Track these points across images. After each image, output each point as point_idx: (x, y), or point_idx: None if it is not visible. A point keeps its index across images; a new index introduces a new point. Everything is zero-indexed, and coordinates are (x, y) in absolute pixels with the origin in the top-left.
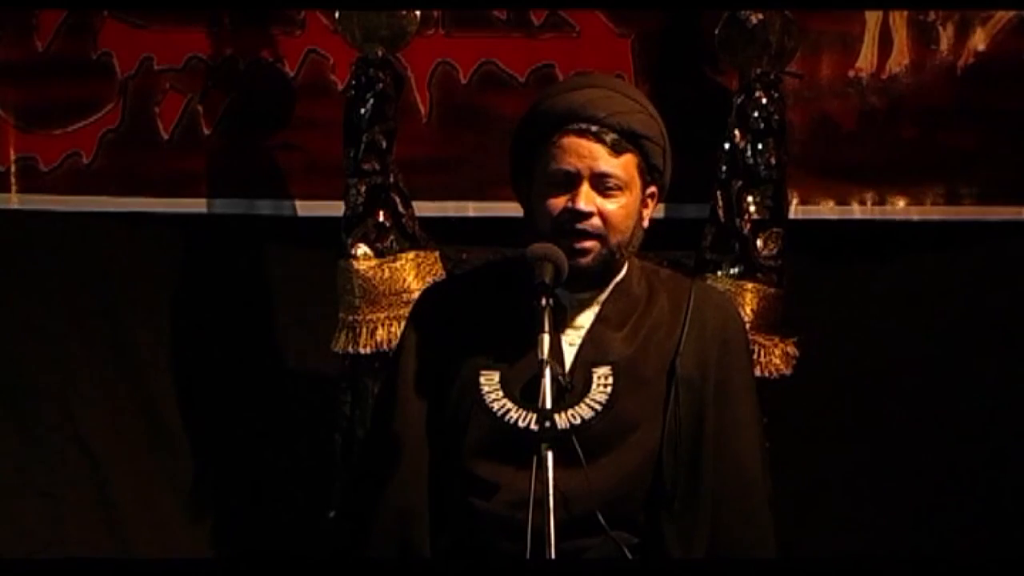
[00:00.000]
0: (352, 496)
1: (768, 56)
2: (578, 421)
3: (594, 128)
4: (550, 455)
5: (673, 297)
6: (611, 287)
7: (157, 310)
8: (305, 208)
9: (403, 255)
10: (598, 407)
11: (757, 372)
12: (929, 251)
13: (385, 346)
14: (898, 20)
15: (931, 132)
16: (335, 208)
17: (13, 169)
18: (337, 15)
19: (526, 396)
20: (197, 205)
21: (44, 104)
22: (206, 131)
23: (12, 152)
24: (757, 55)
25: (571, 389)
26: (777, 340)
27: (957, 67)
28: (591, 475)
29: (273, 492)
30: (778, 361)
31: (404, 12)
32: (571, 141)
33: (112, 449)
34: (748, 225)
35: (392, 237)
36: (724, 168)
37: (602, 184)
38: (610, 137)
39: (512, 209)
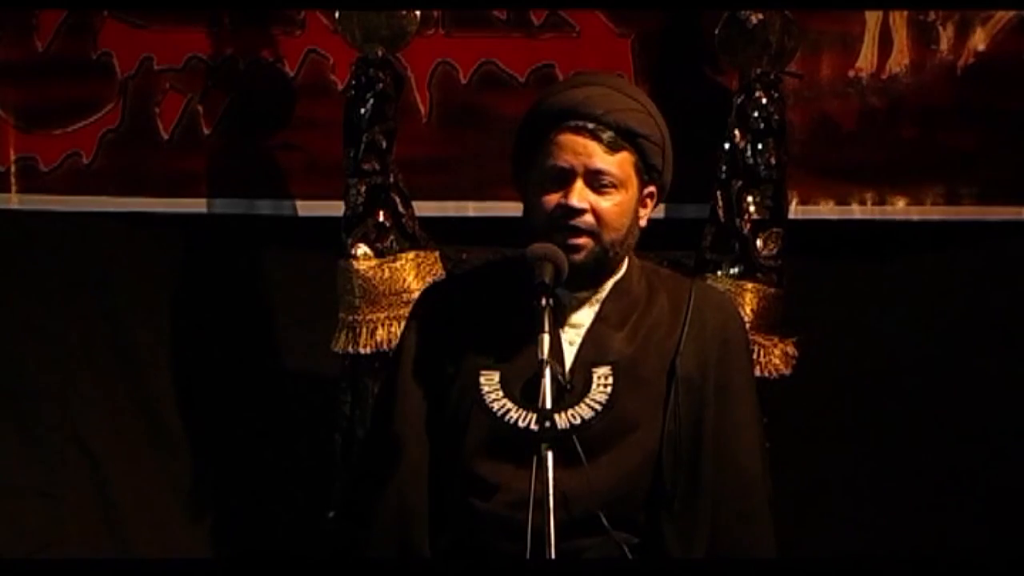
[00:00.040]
0: (352, 496)
1: (768, 56)
2: (578, 421)
3: (590, 125)
4: (550, 455)
5: (673, 297)
6: (610, 286)
7: (157, 310)
8: (305, 208)
9: (403, 255)
10: (598, 407)
11: (757, 372)
12: (929, 251)
13: (385, 346)
14: (898, 20)
15: (931, 132)
16: (335, 208)
17: (13, 169)
18: (337, 15)
19: (526, 396)
20: (197, 205)
21: (44, 104)
22: (206, 131)
23: (12, 152)
24: (757, 55)
25: (571, 389)
26: (777, 340)
27: (957, 67)
28: (591, 475)
29: (273, 492)
30: (778, 361)
31: (404, 12)
32: (567, 138)
33: (112, 449)
34: (748, 225)
35: (392, 237)
36: (724, 168)
37: (596, 181)
38: (606, 135)
39: (512, 209)
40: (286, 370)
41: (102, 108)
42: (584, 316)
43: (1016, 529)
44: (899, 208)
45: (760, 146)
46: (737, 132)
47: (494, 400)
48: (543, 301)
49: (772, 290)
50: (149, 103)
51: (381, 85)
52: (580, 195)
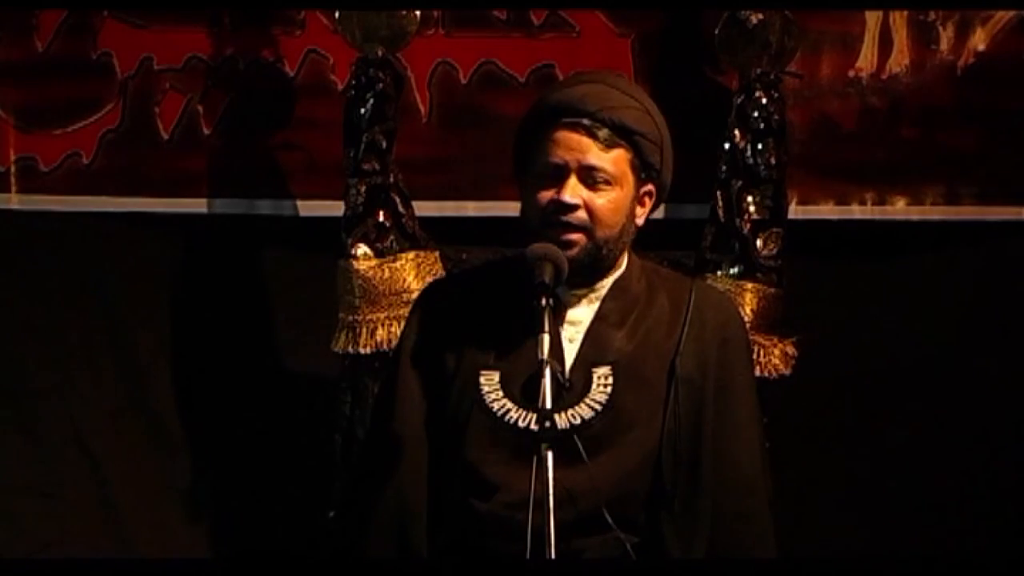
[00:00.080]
0: (351, 495)
1: (768, 56)
2: (578, 421)
3: (586, 122)
4: (550, 455)
5: (673, 296)
6: (610, 284)
7: (157, 310)
8: (305, 208)
9: (403, 255)
10: (598, 407)
11: (757, 372)
12: (929, 251)
13: (385, 346)
14: (898, 20)
15: (931, 132)
16: (335, 208)
17: (13, 169)
18: (337, 15)
19: (526, 396)
20: (197, 205)
21: (44, 104)
22: (206, 131)
23: (12, 152)
24: (757, 55)
25: (569, 387)
26: (777, 340)
27: (957, 67)
28: (591, 474)
29: (273, 492)
30: (778, 361)
31: (404, 12)
32: (563, 135)
33: (112, 449)
34: (748, 225)
35: (392, 237)
36: (724, 168)
37: (590, 178)
38: (602, 132)
39: (512, 209)
40: (286, 370)
41: (102, 108)
42: (583, 313)
43: (1016, 529)
44: (899, 208)
45: (760, 146)
46: (737, 132)
47: (494, 400)
48: (543, 301)
49: (772, 290)
50: (149, 103)
51: (381, 85)
52: (573, 191)
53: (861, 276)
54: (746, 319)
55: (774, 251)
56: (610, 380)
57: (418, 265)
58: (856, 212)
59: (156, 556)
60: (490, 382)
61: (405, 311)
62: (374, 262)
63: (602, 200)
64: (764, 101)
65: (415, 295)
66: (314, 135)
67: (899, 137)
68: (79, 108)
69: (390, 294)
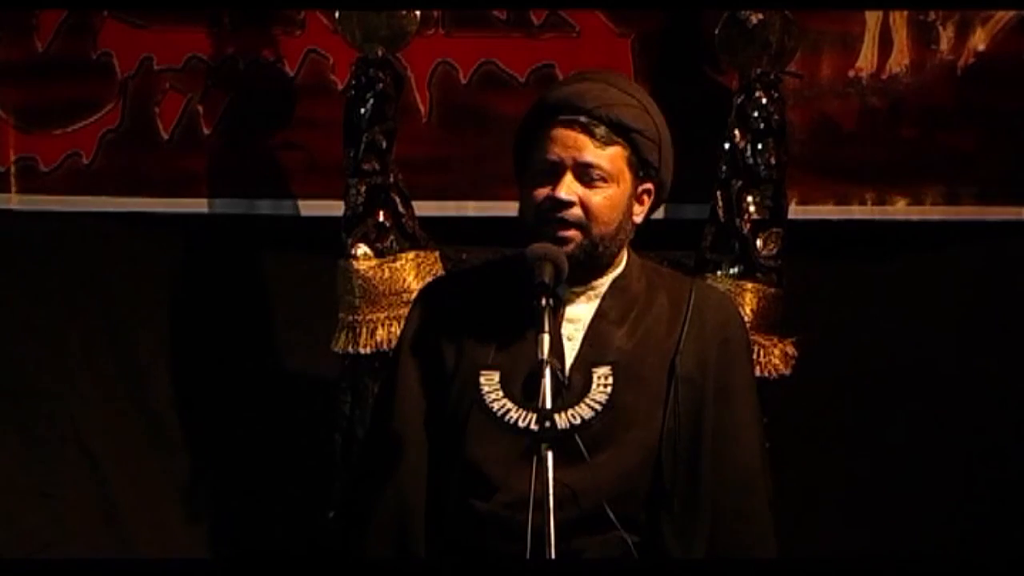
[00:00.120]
0: (351, 494)
1: (768, 56)
2: (578, 421)
3: (582, 119)
4: (550, 455)
5: (673, 295)
6: (609, 282)
7: (157, 310)
8: (305, 208)
9: (403, 255)
10: (598, 407)
11: (757, 372)
12: (929, 251)
13: (385, 346)
14: (898, 20)
15: (931, 132)
16: (335, 208)
17: (13, 169)
18: (337, 15)
19: (526, 396)
20: (197, 205)
21: (44, 104)
22: (206, 131)
23: (12, 152)
24: (757, 55)
25: (568, 385)
26: (777, 340)
27: (957, 67)
28: (592, 474)
29: (273, 492)
30: (778, 361)
31: (404, 12)
32: (559, 132)
33: (112, 449)
34: (748, 225)
35: (392, 237)
36: (724, 168)
37: (586, 175)
38: (599, 129)
39: (512, 209)
40: (286, 370)
41: (102, 108)
42: (582, 311)
43: (1016, 529)
44: (899, 208)
45: (760, 146)
46: (737, 132)
47: (494, 400)
48: (543, 301)
49: (772, 290)
50: (149, 103)
51: (381, 85)
52: (568, 188)
53: (861, 276)
54: (746, 319)
55: (774, 251)
56: (610, 380)
57: (418, 265)
58: (856, 212)
59: (156, 556)
60: (490, 382)
61: (405, 311)
62: (374, 262)
63: (598, 197)
64: (764, 101)
65: (415, 295)
66: (314, 135)
67: (899, 137)
68: (79, 108)
69: (390, 294)
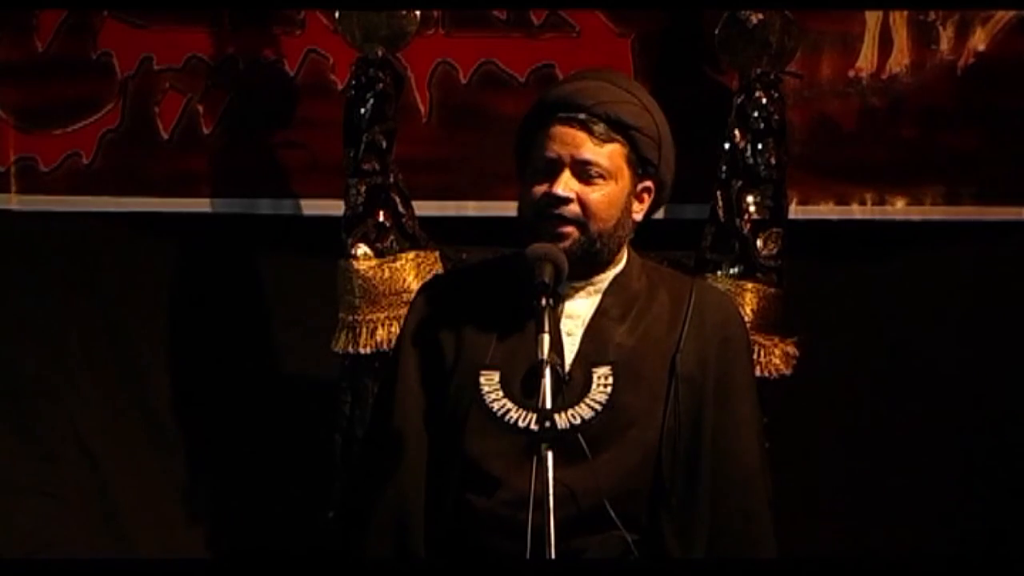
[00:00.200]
0: (350, 493)
1: (768, 56)
2: (578, 421)
3: (581, 116)
4: (550, 455)
5: (674, 294)
6: (609, 279)
7: (157, 310)
8: (305, 208)
9: (403, 255)
10: (598, 407)
11: (757, 372)
12: (929, 251)
13: (385, 346)
14: (898, 20)
15: (931, 132)
16: (335, 208)
17: (13, 169)
18: (337, 15)
19: (526, 396)
20: (197, 205)
21: (44, 104)
22: (206, 131)
23: (12, 152)
24: (757, 55)
25: (569, 381)
26: (777, 340)
27: (957, 67)
28: (592, 473)
29: (273, 492)
30: (778, 361)
31: (404, 12)
32: (558, 129)
33: (112, 449)
34: (748, 225)
35: (392, 237)
36: (724, 168)
37: (584, 172)
38: (598, 126)
39: (512, 209)
40: (286, 370)
41: (102, 108)
42: (582, 307)
43: (1016, 529)
44: (899, 208)
45: (760, 146)
46: (737, 132)
47: (494, 400)
48: (543, 301)
49: (772, 290)
50: (149, 103)
51: (381, 85)
52: (566, 184)
53: (861, 276)
54: (746, 319)
55: (774, 251)
56: (610, 380)
57: (418, 265)
58: (856, 212)
59: (156, 556)
60: (490, 382)
61: (405, 311)
62: (374, 262)
63: (596, 194)
64: (764, 101)
65: (415, 292)
66: (314, 135)
67: (899, 137)
68: (79, 108)
69: (390, 294)
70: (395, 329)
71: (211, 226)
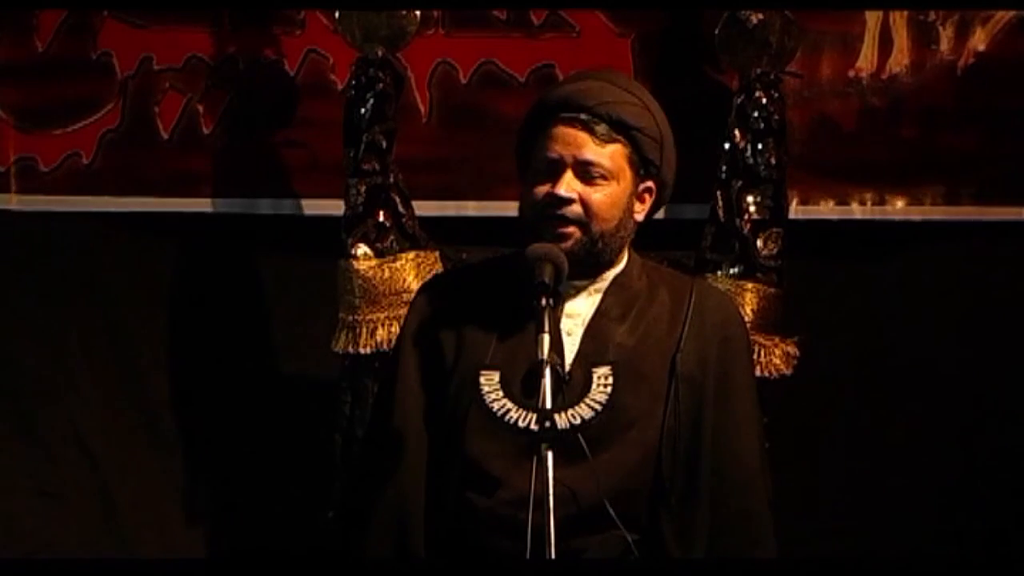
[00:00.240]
0: (350, 493)
1: (768, 56)
2: (578, 421)
3: (583, 117)
4: (550, 455)
5: (674, 293)
6: (610, 279)
7: (157, 310)
8: (305, 208)
9: (403, 255)
10: (598, 407)
11: (757, 372)
12: (929, 251)
13: (385, 346)
14: (898, 20)
15: (931, 132)
16: (336, 208)
17: (13, 169)
18: (337, 15)
19: (526, 396)
20: (197, 205)
21: (44, 104)
22: (206, 131)
23: (12, 152)
24: (757, 55)
25: (569, 380)
26: (777, 340)
27: (957, 67)
28: (592, 473)
29: (273, 492)
30: (778, 361)
31: (404, 12)
32: (560, 130)
33: (112, 449)
34: (748, 225)
35: (392, 237)
36: (724, 168)
37: (586, 172)
38: (599, 127)
39: (512, 209)
40: (286, 370)
41: (102, 108)
42: (582, 307)
43: (1016, 529)
44: (899, 208)
45: (760, 146)
46: (737, 132)
47: (494, 400)
48: (543, 301)
49: (772, 290)
50: (149, 103)
51: (381, 85)
52: (568, 185)
53: (861, 276)
54: (746, 319)
55: (774, 251)
56: (610, 380)
57: (418, 265)
58: (856, 212)
59: (156, 556)
60: (490, 382)
61: (405, 311)
62: (374, 262)
63: (598, 195)
64: (764, 101)
65: (415, 291)
66: (314, 135)
67: (899, 137)
68: (79, 108)
69: (390, 294)
70: (395, 329)
71: (211, 226)
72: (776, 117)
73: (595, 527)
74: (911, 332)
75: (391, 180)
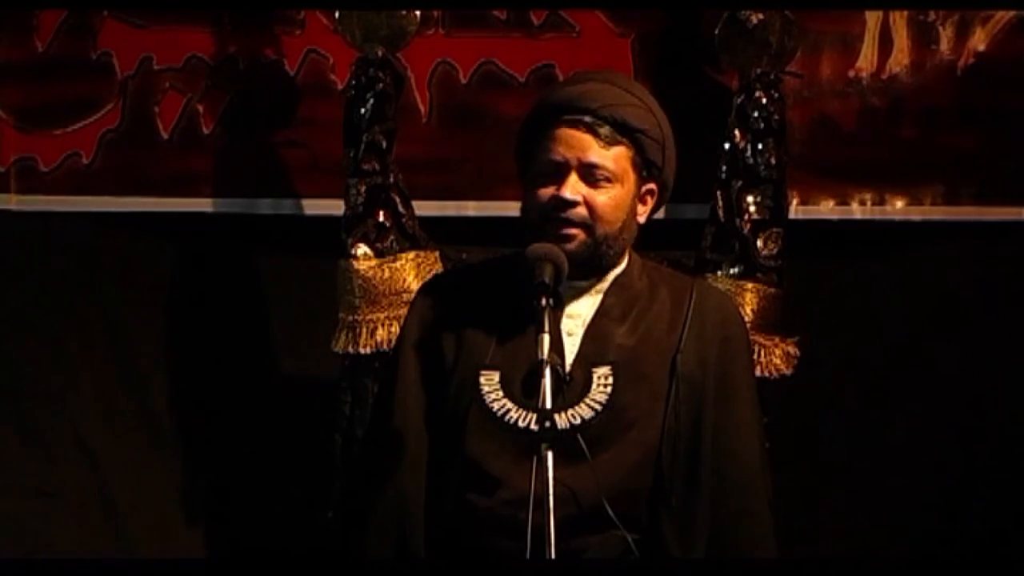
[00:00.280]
0: (350, 493)
1: (768, 56)
2: (578, 421)
3: (587, 119)
4: (550, 455)
5: (674, 293)
6: (611, 280)
7: (157, 310)
8: (305, 208)
9: (403, 255)
10: (598, 407)
11: (757, 372)
12: (929, 251)
13: (385, 346)
14: (898, 20)
15: (931, 132)
16: (336, 207)
17: (13, 169)
18: (337, 15)
19: (526, 396)
20: (197, 205)
21: (44, 104)
22: (206, 131)
23: (12, 152)
24: (757, 55)
25: (570, 381)
26: (777, 340)
27: (957, 67)
28: (592, 473)
29: (273, 492)
30: (778, 361)
31: (404, 12)
32: (563, 132)
33: (112, 449)
34: (748, 225)
35: (392, 237)
36: (724, 168)
37: (591, 175)
38: (603, 129)
39: (512, 209)
40: (286, 370)
41: (102, 108)
42: (583, 307)
43: (1016, 529)
44: (899, 208)
45: (760, 146)
46: (737, 132)
47: (494, 400)
48: (543, 301)
49: (772, 290)
50: (149, 103)
51: (381, 85)
52: (573, 188)
53: (861, 276)
54: (746, 319)
55: (774, 251)
56: (610, 380)
57: (418, 265)
58: (856, 212)
59: (156, 556)
60: (490, 382)
61: (405, 311)
62: (374, 262)
63: (603, 197)
64: (764, 101)
65: (415, 291)
66: (314, 135)
67: (899, 137)
68: (79, 108)
69: (390, 294)
70: (395, 329)
71: (211, 226)
72: (776, 117)
73: (595, 527)
74: (911, 332)
75: (391, 180)
